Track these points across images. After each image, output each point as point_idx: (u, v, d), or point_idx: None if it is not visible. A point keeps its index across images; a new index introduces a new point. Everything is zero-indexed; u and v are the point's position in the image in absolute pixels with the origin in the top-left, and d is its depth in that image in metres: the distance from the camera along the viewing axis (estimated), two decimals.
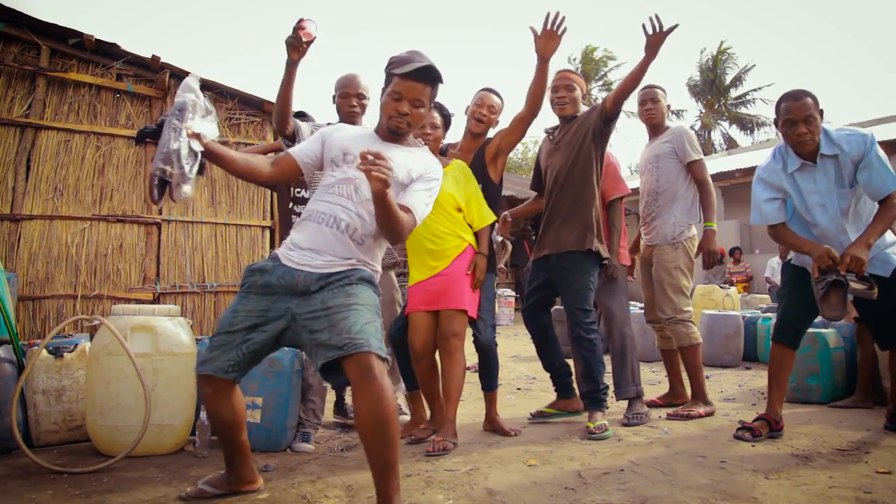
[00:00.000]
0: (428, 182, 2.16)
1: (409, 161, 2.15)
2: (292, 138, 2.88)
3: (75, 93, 5.15)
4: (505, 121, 3.12)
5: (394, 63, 2.14)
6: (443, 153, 3.13)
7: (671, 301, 3.47)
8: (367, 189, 1.93)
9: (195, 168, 1.87)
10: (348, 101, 2.99)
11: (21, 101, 4.95)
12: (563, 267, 3.13)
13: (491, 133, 3.15)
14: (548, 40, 2.79)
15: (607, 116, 3.09)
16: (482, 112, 3.07)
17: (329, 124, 2.95)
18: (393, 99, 2.12)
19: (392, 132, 2.16)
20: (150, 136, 1.93)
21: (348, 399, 3.55)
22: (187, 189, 1.84)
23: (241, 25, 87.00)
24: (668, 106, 3.70)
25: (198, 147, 1.87)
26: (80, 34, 5.03)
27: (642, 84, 3.22)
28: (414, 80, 2.09)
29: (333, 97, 3.08)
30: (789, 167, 2.77)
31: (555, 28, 2.77)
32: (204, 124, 1.90)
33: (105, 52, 5.23)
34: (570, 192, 3.15)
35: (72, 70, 5.14)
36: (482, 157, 3.07)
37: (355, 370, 1.79)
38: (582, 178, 3.14)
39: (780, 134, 2.79)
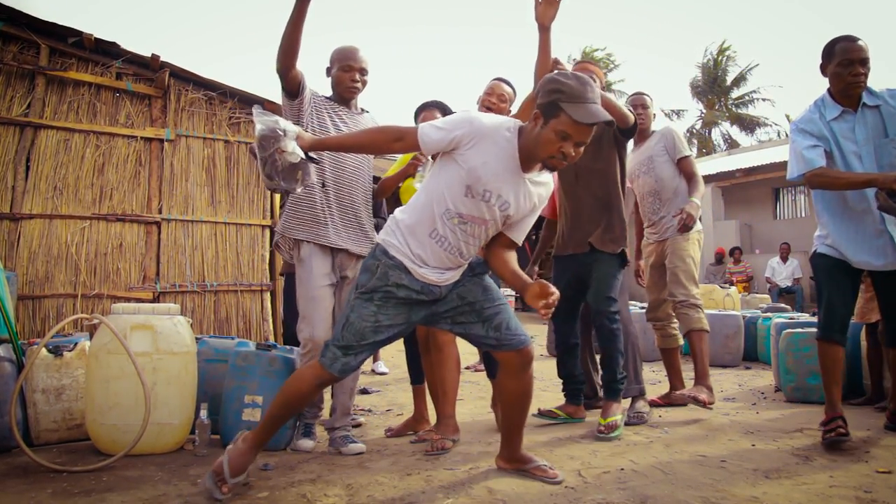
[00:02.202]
0: (537, 211, 2.23)
1: (533, 196, 2.15)
2: (295, 91, 2.68)
3: (75, 92, 5.14)
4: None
5: (564, 93, 1.95)
6: None
7: (684, 286, 3.53)
8: (494, 230, 2.14)
9: (299, 172, 2.15)
10: (351, 74, 2.79)
11: (20, 100, 4.93)
12: (590, 260, 3.08)
13: None
14: (546, 6, 2.64)
15: (621, 129, 3.04)
16: (491, 100, 3.05)
17: (327, 97, 2.84)
18: (560, 137, 1.95)
19: (548, 169, 2.12)
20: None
21: None
22: (302, 185, 2.21)
23: (242, 25, 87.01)
24: (654, 114, 3.87)
25: (296, 157, 2.07)
26: (79, 33, 5.02)
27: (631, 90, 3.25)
28: (590, 125, 1.96)
29: (328, 69, 2.87)
30: (827, 115, 2.74)
31: None
32: (288, 142, 2.08)
33: (104, 51, 5.22)
34: (594, 190, 3.10)
35: (71, 69, 5.12)
36: None
37: (518, 360, 2.19)
38: (606, 176, 3.10)
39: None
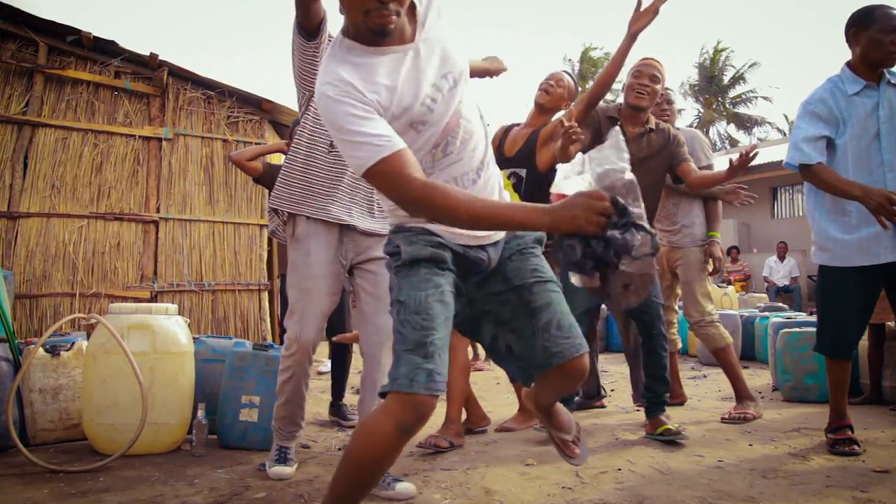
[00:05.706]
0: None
1: (435, 45, 1.53)
2: (315, 30, 2.16)
3: (73, 90, 5.13)
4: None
5: None
6: (507, 131, 3.21)
7: (699, 305, 3.46)
8: (471, 113, 1.57)
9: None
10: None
11: (18, 99, 4.94)
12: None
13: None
14: (641, 15, 2.67)
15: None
16: (549, 83, 3.11)
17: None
18: None
19: (375, 33, 1.43)
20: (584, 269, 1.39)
21: (346, 399, 3.54)
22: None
23: (241, 26, 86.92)
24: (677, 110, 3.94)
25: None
26: (77, 31, 5.02)
27: None
28: None
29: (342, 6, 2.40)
30: (848, 90, 2.63)
31: (655, 5, 2.65)
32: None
33: (103, 50, 5.21)
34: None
35: (69, 67, 5.12)
36: (535, 139, 3.03)
37: (568, 373, 1.55)
38: (655, 190, 2.99)
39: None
